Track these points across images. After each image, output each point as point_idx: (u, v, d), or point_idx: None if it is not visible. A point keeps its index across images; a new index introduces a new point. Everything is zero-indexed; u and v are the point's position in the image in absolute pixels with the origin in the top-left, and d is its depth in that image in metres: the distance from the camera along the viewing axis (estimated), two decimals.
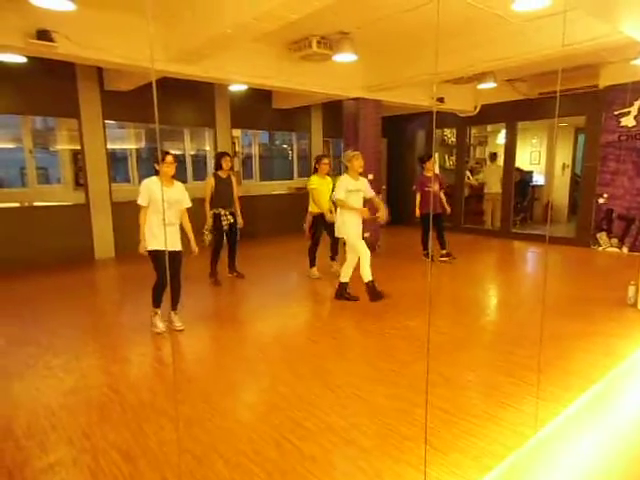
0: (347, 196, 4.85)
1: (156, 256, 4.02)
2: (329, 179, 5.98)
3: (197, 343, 4.05)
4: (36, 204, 7.44)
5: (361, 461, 2.30)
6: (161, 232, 3.96)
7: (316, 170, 5.91)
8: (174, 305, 4.30)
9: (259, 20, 3.99)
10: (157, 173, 4.06)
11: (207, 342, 4.15)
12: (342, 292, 5.09)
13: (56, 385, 3.19)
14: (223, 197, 5.73)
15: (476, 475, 2.19)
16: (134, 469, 2.26)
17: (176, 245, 4.12)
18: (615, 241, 7.84)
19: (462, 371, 3.35)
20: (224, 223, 5.71)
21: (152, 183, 4.00)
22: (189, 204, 4.30)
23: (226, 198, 5.75)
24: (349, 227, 4.92)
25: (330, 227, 6.00)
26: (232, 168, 5.85)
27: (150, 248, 4.00)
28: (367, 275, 4.95)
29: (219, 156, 5.81)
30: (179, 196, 4.14)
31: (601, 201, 7.95)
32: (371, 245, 7.72)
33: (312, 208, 5.92)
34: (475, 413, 2.74)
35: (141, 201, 3.99)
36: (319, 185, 5.82)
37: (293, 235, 9.56)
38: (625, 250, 7.71)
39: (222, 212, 5.72)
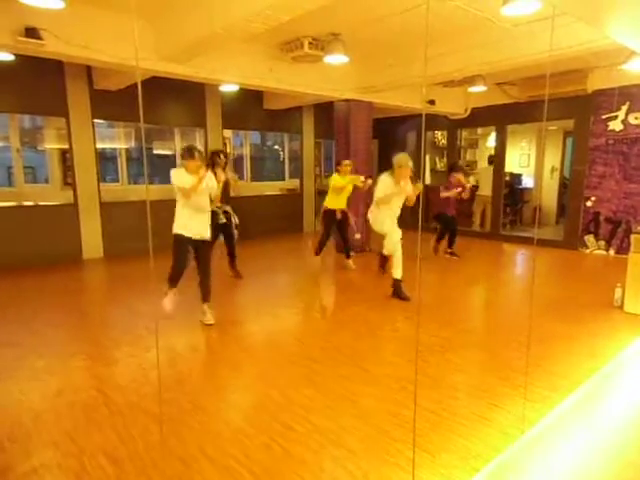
0: (387, 197, 5.07)
1: (179, 240, 4.05)
2: (350, 178, 6.29)
3: (185, 344, 4.02)
4: (23, 203, 7.35)
5: (350, 463, 2.30)
6: (190, 222, 4.05)
7: (338, 172, 6.38)
8: (205, 297, 4.34)
9: (249, 21, 3.98)
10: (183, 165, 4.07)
11: (197, 343, 4.12)
12: (396, 290, 5.14)
13: (41, 387, 3.15)
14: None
15: (464, 476, 2.20)
16: (121, 472, 2.24)
17: (205, 233, 4.17)
18: (602, 243, 7.93)
19: (451, 373, 3.36)
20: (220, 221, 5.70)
21: (182, 173, 4.00)
22: (217, 188, 4.39)
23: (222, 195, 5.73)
24: (381, 221, 5.14)
25: (341, 226, 6.45)
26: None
27: (176, 232, 4.04)
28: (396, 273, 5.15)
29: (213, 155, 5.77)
30: (209, 181, 4.17)
31: (589, 204, 8.04)
32: (361, 246, 7.78)
33: (327, 203, 6.36)
34: (463, 414, 2.76)
35: (180, 184, 3.94)
36: (337, 182, 6.21)
37: (284, 236, 9.57)
38: (612, 252, 7.80)
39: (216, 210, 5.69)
